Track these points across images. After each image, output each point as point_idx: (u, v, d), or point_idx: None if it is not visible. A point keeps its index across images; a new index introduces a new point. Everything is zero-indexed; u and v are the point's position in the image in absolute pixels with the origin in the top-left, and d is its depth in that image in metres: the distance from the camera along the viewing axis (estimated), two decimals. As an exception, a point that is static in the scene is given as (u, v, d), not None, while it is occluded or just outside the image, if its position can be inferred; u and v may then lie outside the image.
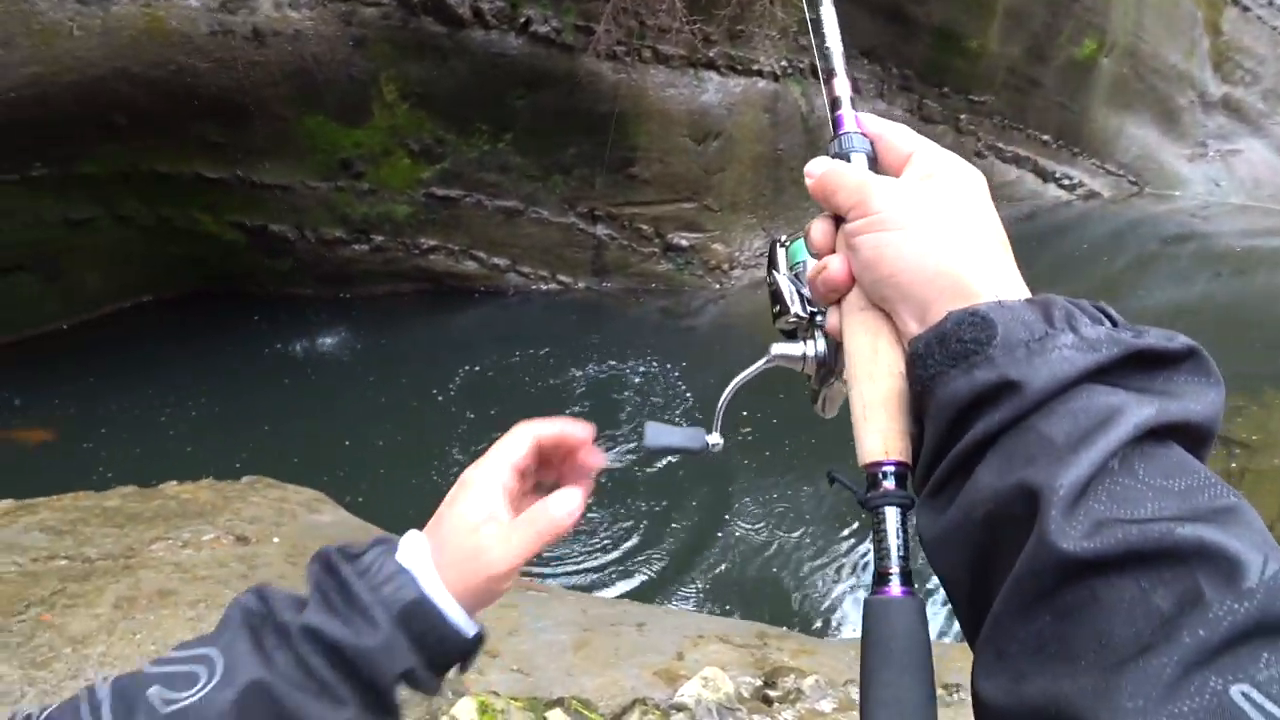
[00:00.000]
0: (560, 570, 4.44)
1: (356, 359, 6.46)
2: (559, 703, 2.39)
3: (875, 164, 0.65)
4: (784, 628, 3.97)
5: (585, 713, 2.33)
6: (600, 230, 6.86)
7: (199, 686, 0.58)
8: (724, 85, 6.79)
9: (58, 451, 5.41)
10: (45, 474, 4.95)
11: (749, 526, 4.89)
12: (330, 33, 5.59)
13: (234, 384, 6.05)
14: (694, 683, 2.51)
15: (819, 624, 4.16)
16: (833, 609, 4.28)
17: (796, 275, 0.72)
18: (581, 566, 4.48)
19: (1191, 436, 0.48)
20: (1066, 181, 9.91)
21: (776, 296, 0.72)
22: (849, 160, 0.65)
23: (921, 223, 0.57)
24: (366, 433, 5.52)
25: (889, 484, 0.57)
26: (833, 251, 0.64)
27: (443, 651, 0.66)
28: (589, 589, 4.27)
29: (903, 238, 0.57)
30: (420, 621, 0.64)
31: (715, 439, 0.76)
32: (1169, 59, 10.27)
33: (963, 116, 8.77)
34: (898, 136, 0.64)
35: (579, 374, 6.22)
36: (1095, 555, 0.42)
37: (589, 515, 4.84)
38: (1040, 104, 9.35)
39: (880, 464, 0.58)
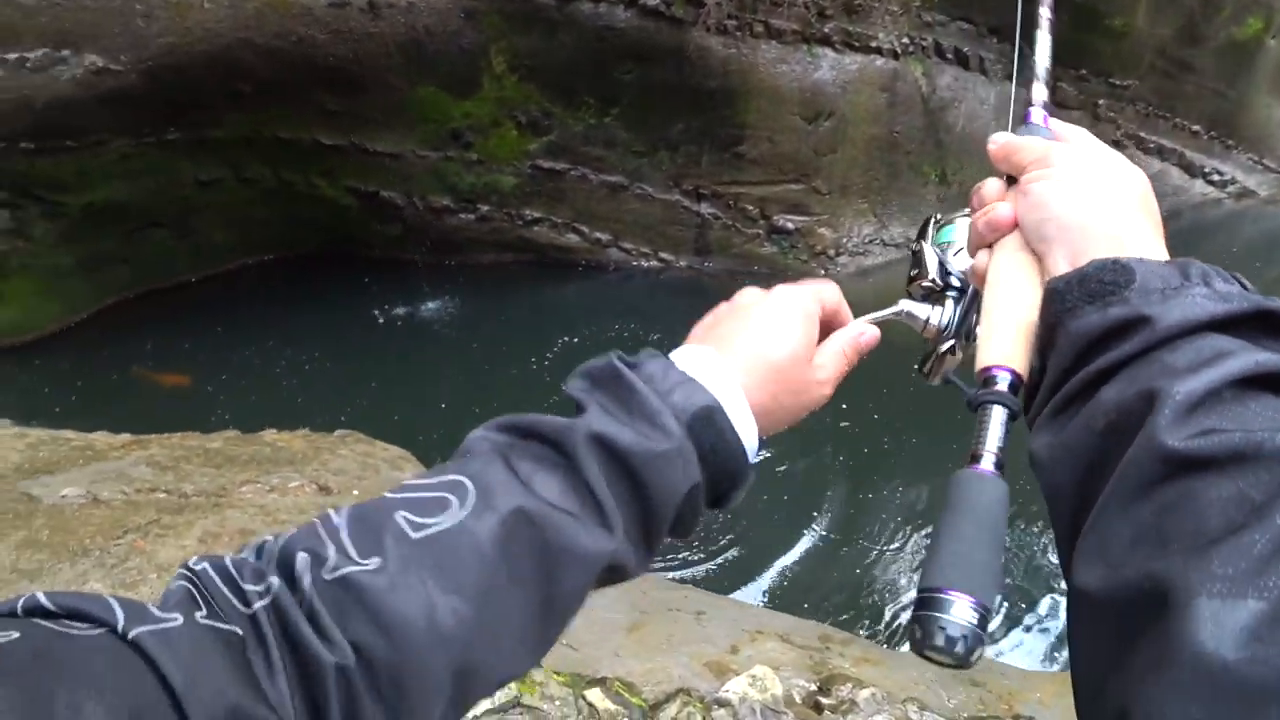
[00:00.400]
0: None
1: (458, 325, 6.61)
2: (601, 682, 2.34)
3: None
4: (850, 633, 3.81)
5: (626, 695, 2.26)
6: (704, 209, 6.75)
7: (451, 512, 0.54)
8: (839, 62, 6.54)
9: (186, 394, 5.77)
10: (167, 414, 5.27)
11: (833, 524, 4.72)
12: (442, 5, 5.68)
13: (343, 342, 6.30)
14: (741, 679, 2.41)
15: (889, 634, 3.97)
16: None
17: (941, 250, 0.78)
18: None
19: None
20: (1217, 177, 9.11)
21: (918, 260, 0.78)
22: None
23: (1091, 179, 0.65)
24: (461, 397, 5.63)
25: (1000, 386, 0.62)
26: (1003, 201, 0.71)
27: (726, 472, 0.62)
28: (656, 569, 4.21)
29: (1073, 187, 0.64)
30: (711, 432, 0.60)
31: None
32: (1348, 43, 9.26)
33: (1101, 102, 8.17)
34: (1078, 136, 0.72)
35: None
36: (1198, 453, 0.45)
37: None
38: (1192, 90, 8.61)
39: (997, 368, 0.63)
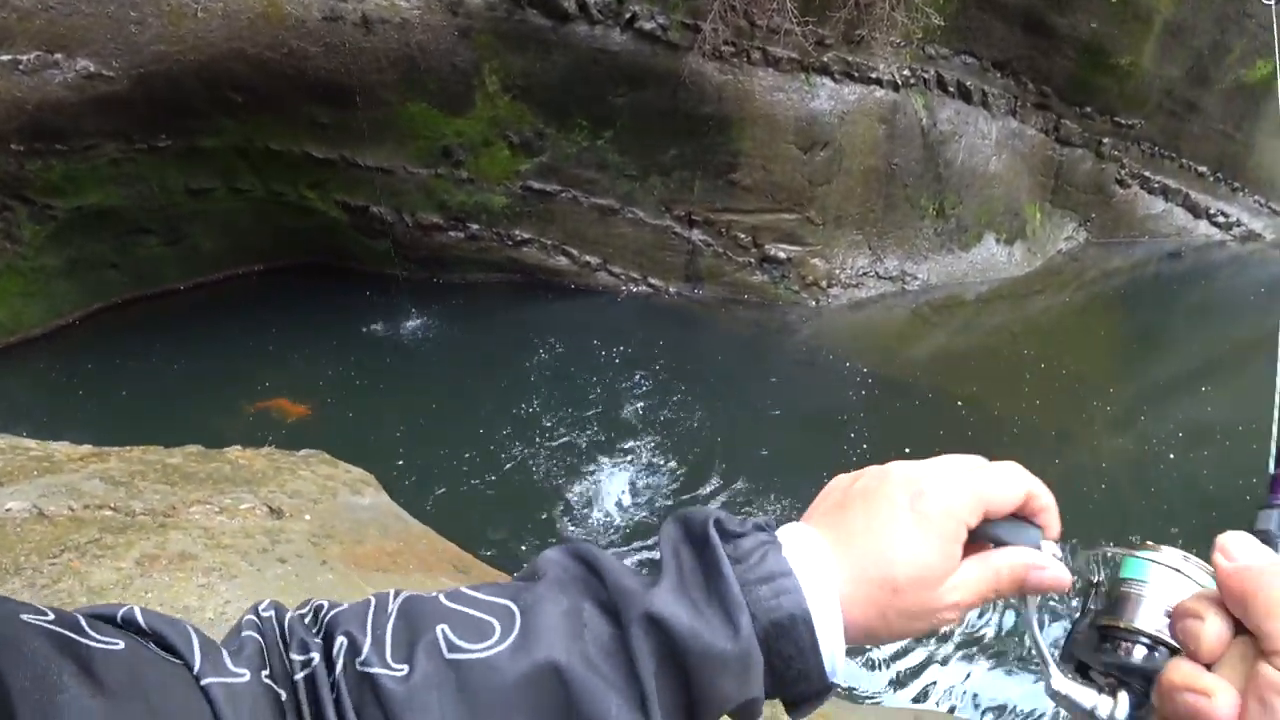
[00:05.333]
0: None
1: (444, 344, 6.55)
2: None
3: None
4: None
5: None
6: (696, 235, 6.69)
7: (490, 643, 0.52)
8: (837, 92, 6.49)
9: (171, 408, 5.71)
10: (137, 424, 5.22)
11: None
12: (436, 22, 5.67)
13: (325, 357, 6.25)
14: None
15: (858, 686, 3.86)
16: (876, 669, 3.95)
17: (1122, 594, 0.54)
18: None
19: None
20: (1222, 219, 9.00)
21: (1115, 606, 0.55)
22: None
23: None
24: (438, 418, 5.57)
25: None
26: (1217, 666, 0.48)
27: (794, 693, 0.54)
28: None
29: None
30: (789, 645, 0.53)
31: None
32: (1360, 89, 9.16)
33: (1106, 140, 8.09)
34: None
35: (661, 384, 6.09)
36: None
37: (623, 524, 4.70)
38: (1198, 131, 8.53)
39: None
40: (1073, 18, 7.25)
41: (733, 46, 6.03)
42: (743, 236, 6.67)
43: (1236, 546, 0.51)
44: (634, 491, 4.92)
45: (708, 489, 4.99)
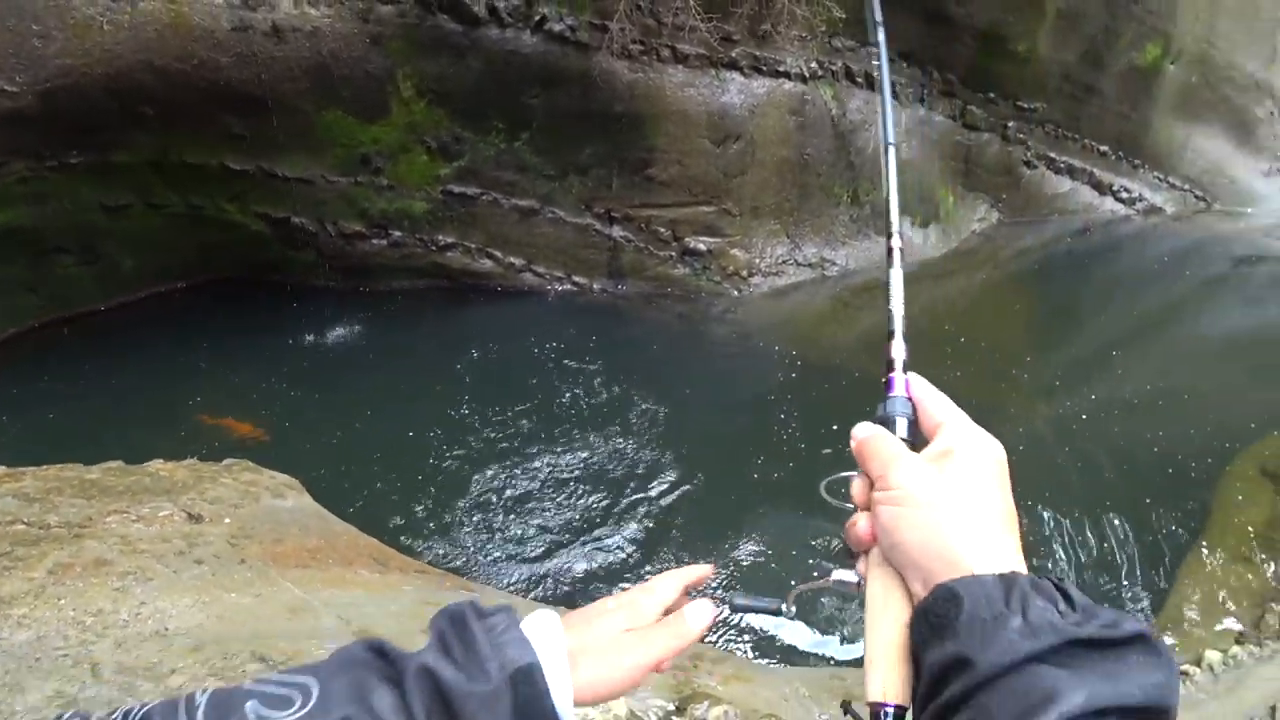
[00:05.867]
0: (508, 566, 4.41)
1: (372, 353, 6.57)
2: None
3: (916, 425, 0.76)
4: (728, 649, 3.85)
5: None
6: (617, 232, 6.83)
7: (293, 710, 0.62)
8: (746, 86, 6.68)
9: (83, 424, 5.65)
10: (55, 445, 5.16)
11: (714, 532, 4.75)
12: (347, 30, 5.71)
13: (254, 370, 6.22)
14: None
15: (773, 650, 4.01)
16: (792, 634, 4.11)
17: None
18: (535, 562, 4.44)
19: (1136, 714, 0.55)
20: (1125, 195, 9.43)
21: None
22: (894, 423, 0.76)
23: (930, 503, 0.68)
24: (369, 424, 5.60)
25: None
26: (868, 507, 0.74)
27: None
28: (535, 587, 4.21)
29: (912, 515, 0.68)
30: (528, 688, 0.67)
31: (790, 608, 0.85)
32: (1246, 67, 9.67)
33: (1010, 124, 8.43)
34: (934, 405, 0.76)
35: (591, 379, 6.19)
36: None
37: (551, 520, 4.81)
38: (1097, 112, 8.92)
39: (881, 705, 0.67)
40: (969, 7, 7.56)
41: (641, 45, 6.18)
42: (662, 231, 6.83)
43: (861, 428, 0.77)
44: (569, 486, 5.02)
45: (643, 479, 5.10)
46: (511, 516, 4.78)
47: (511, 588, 4.22)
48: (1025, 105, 8.40)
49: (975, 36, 7.73)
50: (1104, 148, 9.18)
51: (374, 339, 6.64)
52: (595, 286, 6.98)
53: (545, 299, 6.96)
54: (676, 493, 5.00)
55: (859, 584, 0.75)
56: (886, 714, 0.67)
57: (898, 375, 0.80)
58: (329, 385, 6.10)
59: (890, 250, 0.92)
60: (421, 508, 4.79)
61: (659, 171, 6.60)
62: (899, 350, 0.82)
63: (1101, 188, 9.31)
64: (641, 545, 4.60)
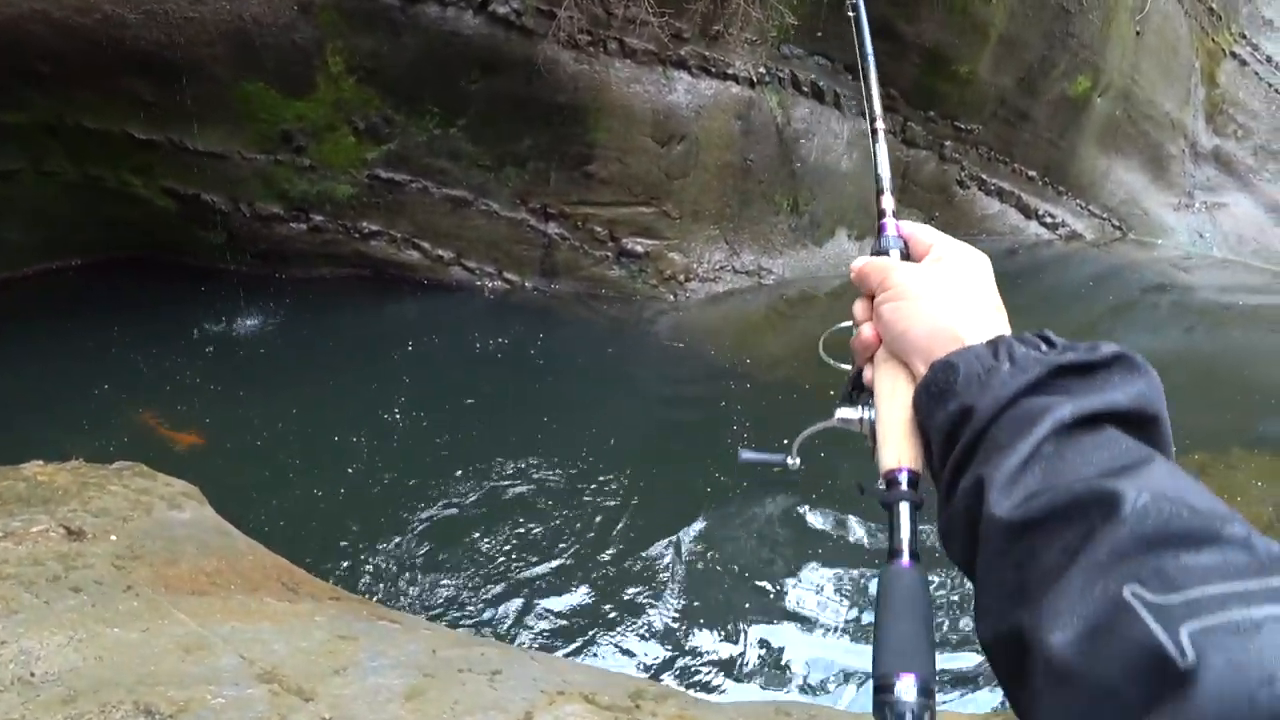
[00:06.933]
0: (434, 597, 4.14)
1: (286, 344, 6.14)
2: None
3: (907, 257, 0.83)
4: (672, 683, 3.67)
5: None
6: (552, 229, 6.56)
7: None
8: (694, 86, 6.50)
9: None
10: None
11: (666, 564, 4.57)
12: (272, -6, 5.29)
13: (151, 359, 5.73)
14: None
15: (720, 680, 3.85)
16: (738, 663, 3.96)
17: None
18: (457, 594, 4.17)
19: (1127, 420, 0.59)
20: (1050, 220, 9.66)
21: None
22: (887, 254, 0.84)
23: (927, 293, 0.75)
24: (279, 423, 5.20)
25: (902, 486, 0.71)
26: (869, 322, 0.81)
27: None
28: (451, 621, 3.94)
29: (912, 304, 0.75)
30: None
31: (795, 459, 0.93)
32: (1163, 105, 10.04)
33: (948, 144, 8.50)
34: (923, 234, 0.83)
35: (515, 380, 5.93)
36: (1027, 517, 0.55)
37: (481, 538, 4.54)
38: (1029, 138, 9.10)
39: (897, 470, 0.71)
40: (918, 26, 7.55)
41: (589, 35, 5.92)
42: (599, 230, 6.60)
43: (858, 260, 0.83)
44: (497, 499, 4.75)
45: (576, 484, 4.88)
46: (435, 532, 4.48)
47: (431, 613, 3.94)
48: (963, 126, 8.48)
49: (921, 55, 7.73)
50: (1032, 173, 9.36)
51: (290, 331, 6.20)
52: (527, 284, 6.70)
53: (474, 295, 6.64)
54: (611, 503, 4.79)
55: (861, 421, 0.80)
56: (902, 475, 0.71)
57: (889, 220, 0.87)
58: (237, 379, 5.66)
59: (875, 131, 1.03)
60: (336, 522, 4.44)
61: (599, 168, 6.36)
62: (889, 202, 0.91)
63: (1028, 211, 9.50)
64: (576, 561, 4.37)
